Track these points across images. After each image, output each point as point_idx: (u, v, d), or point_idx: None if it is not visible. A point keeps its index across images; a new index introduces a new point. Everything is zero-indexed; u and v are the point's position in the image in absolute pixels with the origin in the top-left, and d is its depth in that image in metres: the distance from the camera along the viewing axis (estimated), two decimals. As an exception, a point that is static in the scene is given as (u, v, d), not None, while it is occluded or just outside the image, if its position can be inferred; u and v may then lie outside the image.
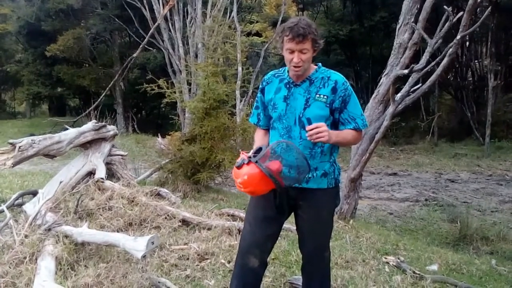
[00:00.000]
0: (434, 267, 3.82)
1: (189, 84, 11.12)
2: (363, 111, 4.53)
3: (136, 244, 2.64)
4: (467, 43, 14.77)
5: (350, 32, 14.59)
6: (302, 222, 2.34)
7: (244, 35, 10.68)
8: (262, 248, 2.33)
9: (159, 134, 7.96)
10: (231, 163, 6.06)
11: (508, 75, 14.73)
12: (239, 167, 2.04)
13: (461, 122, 14.34)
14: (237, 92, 9.82)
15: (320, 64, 2.28)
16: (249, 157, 2.04)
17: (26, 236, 3.32)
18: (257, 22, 19.23)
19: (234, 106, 9.00)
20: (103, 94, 15.02)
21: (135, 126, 17.27)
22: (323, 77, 2.21)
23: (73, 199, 4.16)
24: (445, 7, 3.38)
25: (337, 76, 2.21)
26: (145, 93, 6.64)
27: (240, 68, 9.91)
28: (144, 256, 2.71)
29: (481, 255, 4.92)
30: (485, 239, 5.50)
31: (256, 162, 2.01)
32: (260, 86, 2.38)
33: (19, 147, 3.97)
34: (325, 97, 2.17)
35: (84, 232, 3.21)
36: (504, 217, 6.49)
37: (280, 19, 13.22)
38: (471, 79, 15.12)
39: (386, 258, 3.84)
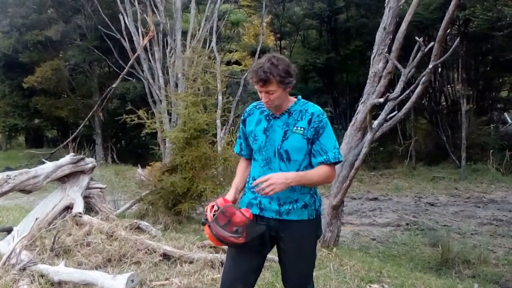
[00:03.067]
0: (418, 293, 3.82)
1: (169, 114, 11.12)
2: (344, 138, 4.60)
3: (115, 282, 2.57)
4: (440, 70, 15.31)
5: (327, 60, 14.92)
6: (284, 255, 2.32)
7: (223, 64, 10.81)
8: (245, 282, 2.30)
9: (139, 164, 7.87)
10: (213, 192, 6.03)
11: (479, 99, 15.26)
12: (203, 224, 2.18)
13: (437, 145, 14.65)
14: (218, 121, 9.86)
15: (299, 96, 2.33)
16: (213, 215, 2.14)
17: (-1, 277, 3.20)
18: (236, 51, 19.58)
19: (215, 135, 9.02)
20: (81, 125, 14.82)
21: (115, 156, 17.04)
22: (301, 109, 2.25)
23: (50, 236, 4.05)
24: (416, 38, 3.53)
25: (314, 109, 2.25)
26: (125, 123, 6.60)
27: (220, 97, 9.98)
28: (123, 295, 2.63)
29: (464, 279, 4.95)
30: (467, 263, 5.54)
31: (209, 226, 2.14)
32: (242, 117, 2.41)
33: (-7, 183, 3.87)
34: (302, 129, 2.20)
35: (61, 270, 3.11)
36: (484, 239, 6.57)
37: (259, 48, 13.51)
38: (444, 103, 15.58)
39: (370, 286, 3.84)
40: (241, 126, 2.41)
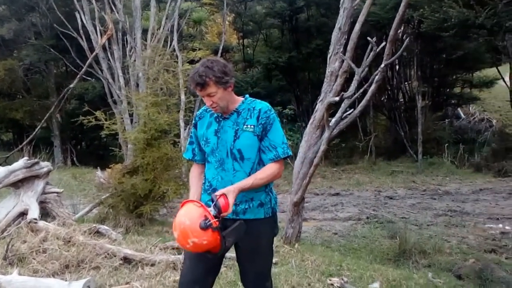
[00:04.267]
0: (376, 285, 3.95)
1: (131, 114, 10.91)
2: (303, 136, 4.67)
3: (70, 289, 2.51)
4: (397, 67, 15.84)
5: (289, 59, 15.12)
6: (241, 253, 2.35)
7: (186, 63, 10.71)
8: (202, 283, 2.30)
9: (98, 167, 7.68)
10: (176, 193, 5.97)
11: (435, 95, 15.91)
12: (204, 228, 1.93)
13: (395, 141, 15.15)
14: (181, 121, 9.77)
15: (247, 95, 2.36)
16: (218, 225, 1.98)
17: None
18: (199, 49, 19.45)
19: (177, 135, 8.93)
20: (38, 127, 14.28)
21: (74, 159, 16.53)
22: (249, 108, 2.28)
23: (3, 244, 3.89)
24: (368, 38, 3.65)
25: (261, 105, 2.29)
26: (84, 124, 6.42)
27: (183, 97, 9.89)
28: (80, 302, 2.58)
29: (420, 268, 5.16)
30: (423, 253, 5.75)
31: (223, 237, 2.01)
32: (193, 121, 2.42)
33: None
34: (252, 126, 2.23)
35: (14, 279, 3.01)
36: (439, 229, 6.85)
37: (221, 47, 13.48)
38: (402, 100, 16.14)
39: (330, 280, 3.93)
40: (193, 130, 2.41)
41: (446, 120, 15.84)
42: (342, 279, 3.93)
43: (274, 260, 4.28)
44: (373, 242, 6.51)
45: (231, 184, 2.21)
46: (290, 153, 2.31)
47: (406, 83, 16.09)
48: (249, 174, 2.23)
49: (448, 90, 16.47)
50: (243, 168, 2.24)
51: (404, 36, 14.33)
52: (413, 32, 13.12)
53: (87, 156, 17.67)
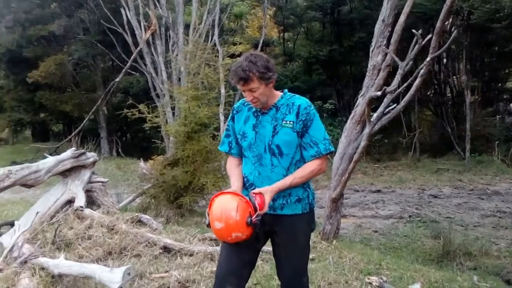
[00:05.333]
0: (417, 286, 3.82)
1: (172, 108, 11.15)
2: (343, 131, 4.58)
3: (112, 275, 2.60)
4: (445, 60, 15.18)
5: (330, 52, 14.85)
6: (278, 248, 2.34)
7: (227, 57, 10.79)
8: (238, 275, 2.31)
9: (141, 158, 7.91)
10: (214, 186, 6.05)
11: (485, 90, 15.11)
12: (249, 225, 2.03)
13: (442, 137, 14.56)
14: (221, 115, 9.86)
15: (286, 90, 2.33)
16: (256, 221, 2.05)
17: (1, 270, 3.25)
18: (240, 43, 19.53)
19: (217, 129, 9.03)
20: (86, 119, 14.92)
21: (120, 150, 17.14)
22: (288, 103, 2.25)
23: (52, 229, 4.10)
24: (413, 30, 3.50)
25: (300, 101, 2.25)
26: (128, 117, 6.63)
27: (223, 90, 9.97)
28: (120, 288, 2.67)
29: (464, 271, 4.95)
30: (468, 255, 5.52)
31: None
32: (231, 115, 2.41)
33: (-5, 178, 3.92)
34: (291, 122, 2.20)
35: (61, 263, 3.15)
36: (486, 231, 6.54)
37: (261, 41, 13.46)
38: (450, 95, 15.46)
39: (369, 279, 3.84)
40: (229, 123, 2.40)
41: (497, 116, 14.97)
42: (381, 278, 3.83)
43: (311, 256, 4.26)
44: (415, 241, 6.31)
45: (268, 179, 2.20)
46: (332, 148, 2.27)
47: (454, 77, 15.39)
48: (288, 169, 2.21)
49: (499, 84, 15.58)
50: (281, 164, 2.22)
51: (453, 28, 13.72)
52: (462, 24, 12.48)
53: (131, 147, 18.27)
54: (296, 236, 2.30)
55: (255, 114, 2.28)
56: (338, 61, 15.60)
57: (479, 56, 14.25)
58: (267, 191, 2.10)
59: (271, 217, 2.24)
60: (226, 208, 2.05)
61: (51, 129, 23.22)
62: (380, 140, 13.82)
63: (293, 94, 2.32)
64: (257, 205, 2.05)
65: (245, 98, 2.30)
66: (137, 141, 20.25)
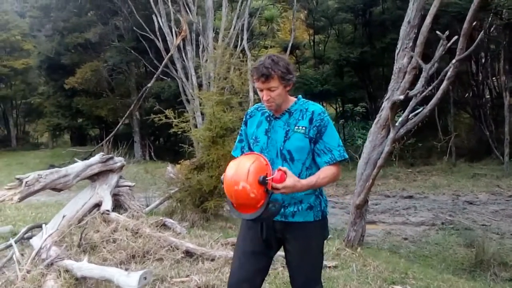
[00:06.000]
0: (443, 296, 3.68)
1: (202, 113, 11.28)
2: (368, 135, 4.48)
3: (128, 279, 2.65)
4: (483, 61, 14.58)
5: (361, 54, 14.62)
6: (290, 256, 2.30)
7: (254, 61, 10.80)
8: (251, 283, 2.29)
9: (172, 162, 8.04)
10: (238, 190, 6.04)
11: (526, 92, 14.39)
12: (261, 183, 1.94)
13: (480, 141, 13.98)
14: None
15: (300, 96, 2.31)
16: (270, 188, 1.98)
17: (28, 272, 3.37)
18: (272, 47, 19.54)
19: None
20: (119, 124, 15.37)
21: (152, 154, 17.52)
22: (302, 109, 2.23)
23: (79, 232, 4.21)
24: (437, 32, 3.37)
25: (314, 107, 2.23)
26: (156, 122, 6.77)
27: (251, 94, 10.00)
28: (137, 292, 2.70)
29: (499, 282, 4.71)
30: (504, 265, 5.25)
31: (268, 203, 1.99)
32: (244, 119, 2.40)
33: (26, 182, 4.09)
34: (304, 128, 2.17)
35: (84, 266, 3.24)
36: (524, 240, 6.21)
37: (290, 44, 13.41)
38: (488, 96, 14.83)
39: (393, 288, 3.73)
40: (242, 127, 2.39)
41: (539, 118, 14.24)
42: (406, 288, 3.71)
43: (333, 264, 4.20)
44: (446, 250, 6.07)
45: None
46: (346, 156, 2.23)
47: (494, 78, 14.75)
48: (299, 175, 2.18)
49: (542, 85, 14.80)
50: (292, 170, 2.18)
51: (492, 27, 13.15)
52: (501, 23, 11.95)
53: (164, 151, 18.65)
54: (308, 244, 2.26)
55: (268, 119, 2.26)
56: (369, 63, 15.34)
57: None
58: (292, 176, 2.04)
59: (282, 224, 2.22)
60: (243, 159, 2.04)
61: (88, 133, 24.08)
62: (413, 144, 13.45)
63: (307, 100, 2.30)
64: (276, 176, 1.99)
65: (259, 103, 2.30)
66: (170, 145, 20.66)
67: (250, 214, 2.03)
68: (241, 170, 1.96)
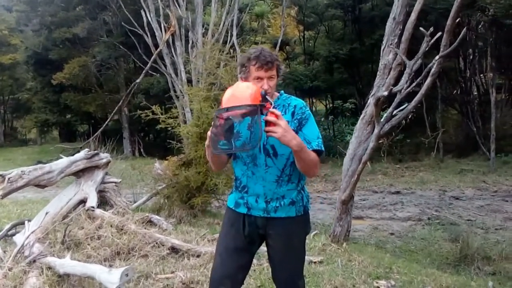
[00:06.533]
0: (427, 291, 3.72)
1: (192, 108, 11.21)
2: (353, 131, 4.50)
3: (110, 276, 2.63)
4: (471, 57, 14.71)
5: (351, 50, 14.67)
6: (273, 252, 2.30)
7: (244, 57, 10.76)
8: (233, 279, 2.28)
9: (162, 158, 7.98)
10: (226, 186, 6.04)
11: (512, 88, 14.60)
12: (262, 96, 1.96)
13: (467, 137, 14.14)
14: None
15: (282, 91, 2.30)
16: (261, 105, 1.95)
17: (10, 269, 3.33)
18: (263, 43, 19.48)
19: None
20: (108, 120, 15.24)
21: (141, 150, 17.40)
22: (284, 104, 2.23)
23: (63, 229, 4.17)
24: (421, 28, 3.39)
25: (296, 101, 2.23)
26: (142, 118, 6.71)
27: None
28: (118, 289, 2.69)
29: (482, 276, 4.78)
30: (487, 259, 5.33)
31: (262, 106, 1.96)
32: None
33: (9, 178, 4.03)
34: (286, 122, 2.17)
35: (66, 263, 3.21)
36: (508, 234, 6.30)
37: (279, 40, 13.39)
38: (476, 93, 14.98)
39: (377, 283, 3.76)
40: None
41: (525, 115, 14.45)
42: (390, 283, 3.74)
43: (319, 259, 4.22)
44: (432, 244, 6.14)
45: (262, 179, 2.18)
46: (323, 149, 2.22)
47: (481, 75, 14.90)
48: (282, 170, 2.18)
49: (529, 82, 15.00)
50: (276, 164, 2.18)
51: (480, 25, 13.26)
52: (487, 20, 12.06)
53: (154, 147, 18.52)
54: (290, 239, 2.26)
55: None
56: (359, 59, 15.40)
57: (505, 53, 13.77)
58: (285, 122, 1.98)
59: (264, 220, 2.22)
60: (242, 83, 2.05)
61: (77, 129, 23.86)
62: (402, 140, 13.55)
63: (289, 95, 2.29)
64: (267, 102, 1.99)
65: None
66: (159, 141, 20.49)
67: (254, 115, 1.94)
68: (239, 89, 1.99)
